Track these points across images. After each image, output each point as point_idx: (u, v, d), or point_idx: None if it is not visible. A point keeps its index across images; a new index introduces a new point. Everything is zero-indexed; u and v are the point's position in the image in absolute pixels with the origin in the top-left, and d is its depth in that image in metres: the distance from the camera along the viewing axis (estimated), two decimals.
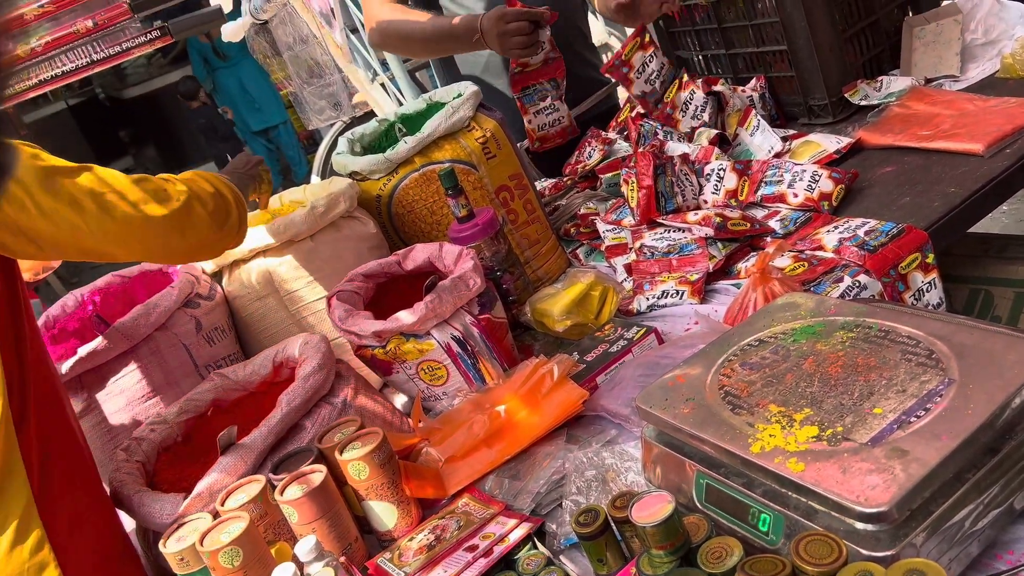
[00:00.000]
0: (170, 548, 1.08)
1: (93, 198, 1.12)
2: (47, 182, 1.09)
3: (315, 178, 4.87)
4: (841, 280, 1.34)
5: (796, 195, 1.59)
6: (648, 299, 1.49)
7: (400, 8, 2.14)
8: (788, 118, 2.06)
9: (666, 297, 1.48)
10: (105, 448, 1.41)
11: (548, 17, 1.87)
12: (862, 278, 1.33)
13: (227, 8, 1.69)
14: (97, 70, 1.65)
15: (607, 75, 1.98)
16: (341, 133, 1.90)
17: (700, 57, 2.25)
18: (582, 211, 1.87)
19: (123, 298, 1.60)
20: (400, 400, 1.51)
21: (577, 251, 1.84)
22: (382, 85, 4.75)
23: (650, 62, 1.96)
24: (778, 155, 1.80)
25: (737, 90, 2.05)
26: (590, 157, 2.03)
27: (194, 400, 1.39)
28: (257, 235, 1.51)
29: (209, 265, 1.58)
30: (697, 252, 1.52)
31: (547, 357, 1.48)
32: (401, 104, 4.68)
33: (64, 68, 1.63)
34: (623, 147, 1.98)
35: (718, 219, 1.52)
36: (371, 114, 4.21)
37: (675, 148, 1.81)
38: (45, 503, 1.09)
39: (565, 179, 2.02)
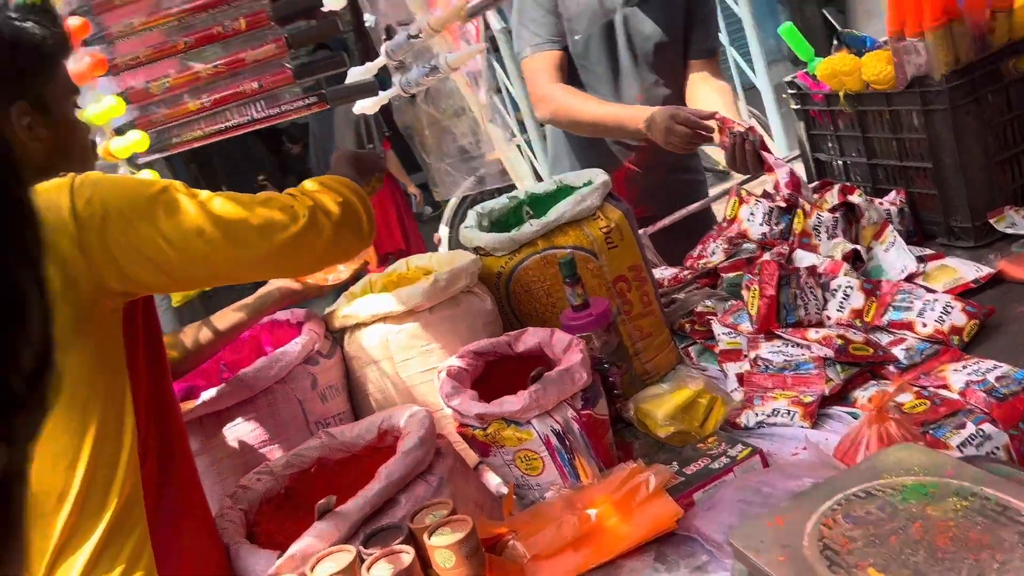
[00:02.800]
0: None
1: (219, 225, 1.15)
2: (173, 215, 1.13)
3: (443, 228, 5.02)
4: (963, 426, 1.27)
5: (925, 325, 1.53)
6: (757, 415, 1.46)
7: (571, 90, 2.31)
8: (926, 236, 1.99)
9: (776, 416, 1.44)
10: (214, 489, 1.49)
11: (715, 130, 1.94)
12: (987, 427, 1.26)
13: (366, 74, 1.79)
14: (256, 128, 1.77)
15: (717, 241, 2.06)
16: (470, 204, 1.96)
17: (840, 162, 2.21)
18: (699, 309, 1.85)
19: (250, 343, 1.69)
20: (494, 480, 1.52)
21: (689, 348, 1.82)
22: (518, 146, 4.86)
23: (757, 210, 1.97)
24: (911, 276, 1.74)
25: (875, 202, 2.00)
26: (713, 254, 2.02)
27: (301, 455, 1.45)
28: (380, 301, 1.57)
29: (336, 321, 1.65)
30: (814, 372, 1.48)
31: (646, 461, 1.48)
32: (535, 166, 4.79)
33: (228, 123, 1.76)
34: (748, 248, 1.96)
35: (840, 341, 1.47)
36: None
37: (803, 258, 1.78)
38: (157, 536, 1.16)
39: (685, 272, 2.01)
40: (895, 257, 1.80)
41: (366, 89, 1.76)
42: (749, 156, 2.01)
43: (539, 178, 4.73)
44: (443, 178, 1.92)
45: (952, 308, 1.53)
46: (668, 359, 1.81)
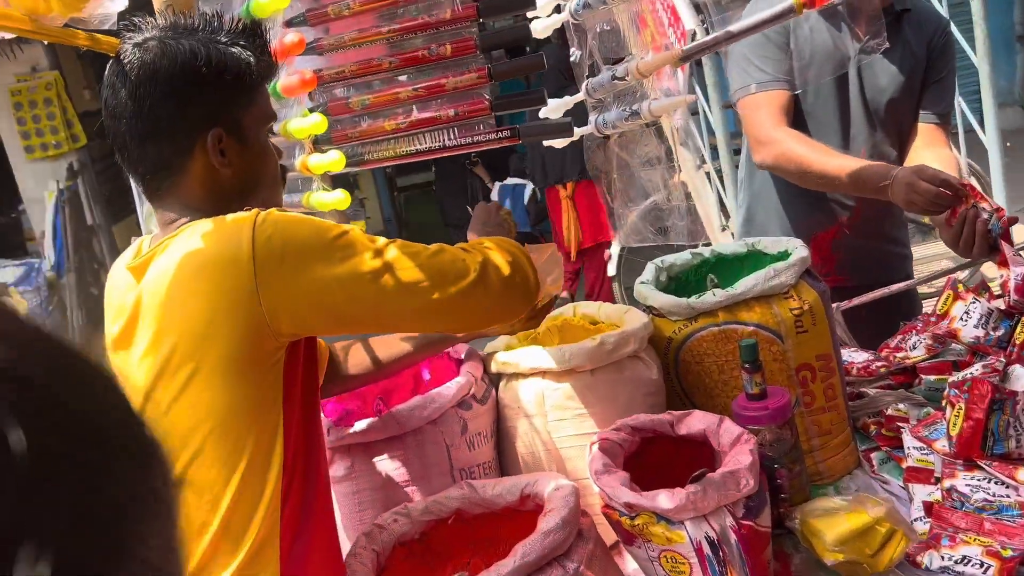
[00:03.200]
0: None
1: (392, 272, 1.13)
2: (349, 261, 1.12)
3: (615, 245, 4.92)
4: None
5: None
6: (944, 558, 1.29)
7: (800, 136, 2.10)
8: None
9: (966, 565, 1.26)
10: (351, 517, 1.48)
11: (963, 197, 1.75)
12: None
13: (563, 107, 1.73)
14: (445, 155, 1.74)
15: (922, 335, 1.85)
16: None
17: None
18: (890, 411, 1.66)
19: (408, 374, 1.68)
20: (631, 566, 1.43)
21: (871, 454, 1.65)
22: (707, 174, 4.69)
23: (973, 309, 1.74)
24: None
25: None
26: (914, 348, 1.81)
27: (440, 503, 1.41)
28: (541, 356, 1.51)
29: (493, 365, 1.61)
30: (1019, 522, 1.29)
31: None
32: (722, 198, 4.59)
33: (420, 147, 1.75)
34: (956, 349, 1.75)
35: None
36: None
37: (1020, 376, 1.56)
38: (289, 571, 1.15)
39: (879, 364, 1.82)
40: None
41: (561, 129, 1.69)
42: (981, 239, 1.78)
43: (724, 211, 4.54)
44: (626, 225, 1.83)
45: None
46: (846, 462, 1.64)
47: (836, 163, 2.03)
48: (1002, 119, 5.82)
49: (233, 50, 1.19)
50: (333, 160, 1.63)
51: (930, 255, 4.63)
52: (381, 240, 1.17)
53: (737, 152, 4.36)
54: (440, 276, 1.16)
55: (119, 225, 7.29)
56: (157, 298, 1.12)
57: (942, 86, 2.25)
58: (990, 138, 4.68)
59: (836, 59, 2.13)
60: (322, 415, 1.36)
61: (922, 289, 2.60)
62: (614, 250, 4.99)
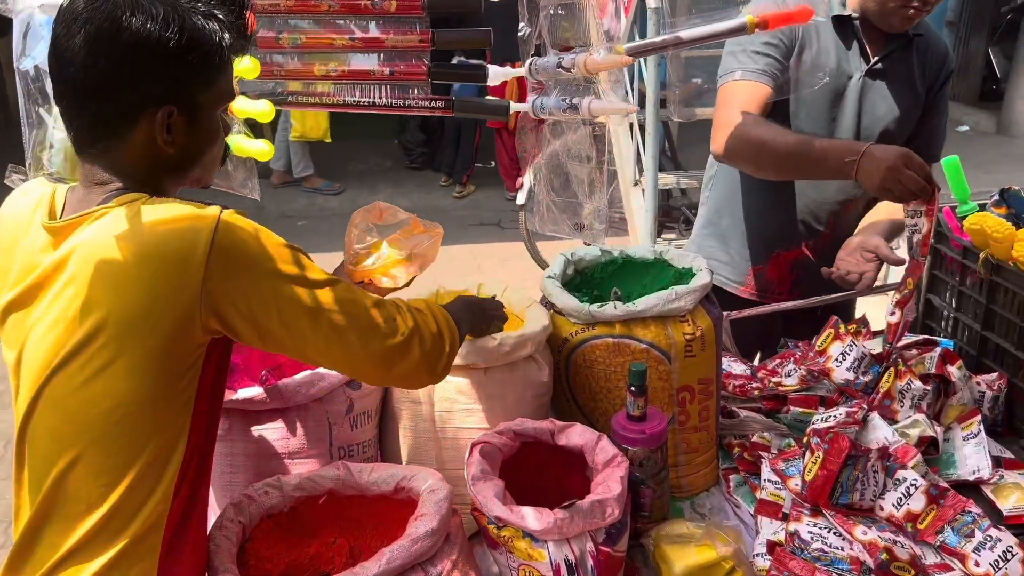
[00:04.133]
0: None
1: (330, 321, 1.14)
2: (292, 289, 1.11)
3: (528, 174, 4.89)
4: None
5: (978, 564, 1.44)
6: None
7: (764, 120, 1.98)
8: (1012, 430, 1.87)
9: None
10: (222, 478, 1.47)
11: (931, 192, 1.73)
12: None
13: (502, 78, 1.66)
14: (373, 112, 1.68)
15: (799, 365, 1.93)
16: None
17: (952, 316, 2.07)
18: (755, 438, 1.76)
19: None
20: (490, 564, 1.48)
21: (730, 475, 1.74)
22: (630, 124, 4.68)
23: (849, 351, 1.84)
24: (980, 482, 1.64)
25: (973, 379, 1.87)
26: (788, 376, 1.91)
27: (314, 481, 1.42)
28: None
29: None
30: None
31: None
32: (640, 153, 4.61)
33: (347, 99, 1.67)
34: (826, 386, 1.85)
35: (884, 556, 1.39)
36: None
37: (877, 427, 1.67)
38: (161, 563, 1.15)
39: (754, 386, 1.91)
40: (972, 453, 1.70)
41: (497, 111, 1.65)
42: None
43: (640, 166, 4.56)
44: (543, 211, 1.82)
45: (1012, 555, 1.43)
46: (706, 479, 1.74)
47: (799, 139, 1.91)
48: None
49: (209, 23, 1.10)
50: (261, 110, 1.54)
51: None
52: (324, 275, 1.15)
53: (664, 105, 4.37)
54: (371, 331, 1.17)
55: None
56: (90, 273, 1.05)
57: (934, 132, 2.23)
58: None
59: (837, 75, 2.08)
60: None
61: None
62: (526, 179, 4.97)
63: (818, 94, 2.09)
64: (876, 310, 2.15)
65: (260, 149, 1.56)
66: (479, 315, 1.47)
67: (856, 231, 2.20)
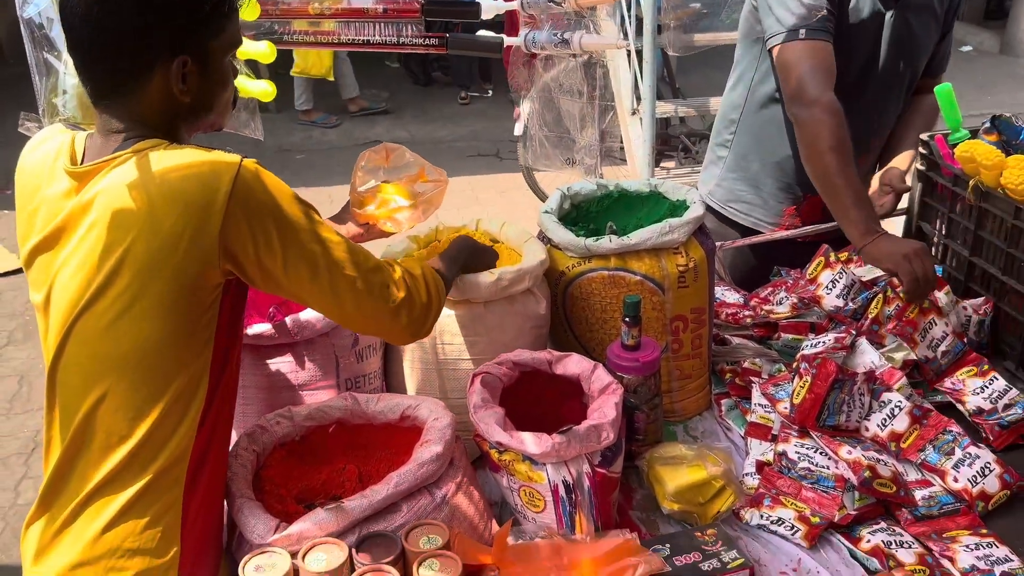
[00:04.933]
0: (247, 574, 1.20)
1: (329, 273, 1.20)
2: (301, 243, 1.17)
3: (524, 104, 4.86)
4: None
5: (957, 480, 1.51)
6: (762, 516, 1.48)
7: (842, 123, 1.94)
8: (998, 353, 1.93)
9: (779, 525, 1.46)
10: (236, 409, 1.53)
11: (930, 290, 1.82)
12: None
13: (495, 11, 1.67)
14: (366, 50, 1.69)
15: (790, 292, 1.98)
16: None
17: (942, 243, 2.11)
18: (746, 364, 1.82)
19: None
20: (493, 485, 1.55)
21: (722, 400, 1.81)
22: (627, 52, 4.63)
23: (839, 279, 1.89)
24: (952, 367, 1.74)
25: (960, 303, 1.93)
26: (779, 304, 1.96)
27: (323, 411, 1.49)
28: None
29: None
30: (832, 493, 1.48)
31: (644, 515, 1.52)
32: (637, 80, 4.57)
33: (341, 38, 1.68)
34: (816, 313, 1.90)
35: (868, 473, 1.46)
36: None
37: (864, 351, 1.73)
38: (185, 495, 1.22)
39: (747, 312, 1.96)
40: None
41: (490, 47, 1.66)
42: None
43: (637, 95, 4.53)
44: (536, 146, 1.84)
45: (990, 471, 1.51)
46: (699, 403, 1.81)
47: (841, 180, 1.91)
48: None
49: None
50: (261, 51, 1.56)
51: None
52: (332, 233, 1.21)
53: (661, 31, 4.32)
54: (368, 293, 1.24)
55: None
56: (114, 217, 1.10)
57: (947, 49, 2.24)
58: None
59: (872, 18, 2.06)
60: None
61: None
62: (524, 110, 4.94)
63: (856, 32, 2.06)
64: None
65: (263, 89, 1.58)
66: (471, 261, 1.55)
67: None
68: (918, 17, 2.13)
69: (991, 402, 1.72)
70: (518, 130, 5.02)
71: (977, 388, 1.75)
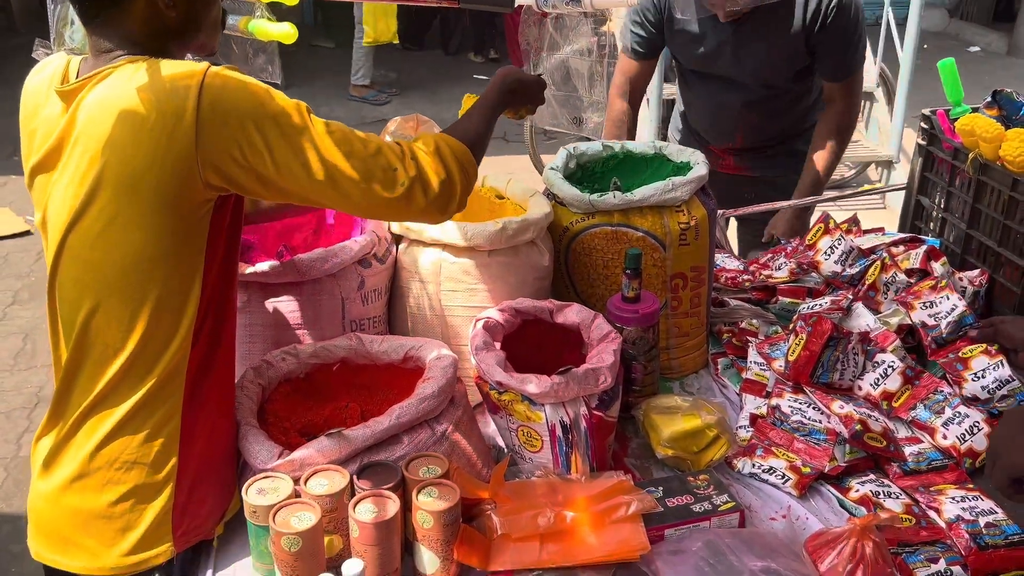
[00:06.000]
0: (250, 497, 1.23)
1: (324, 166, 1.17)
2: (287, 138, 1.15)
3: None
4: (936, 561, 1.31)
5: (946, 437, 1.54)
6: (754, 465, 1.51)
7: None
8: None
9: (771, 474, 1.49)
10: (240, 347, 1.56)
11: None
12: (956, 570, 1.31)
13: None
14: (379, 2, 1.72)
15: (789, 258, 2.06)
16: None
17: (940, 216, 2.14)
18: (744, 324, 1.86)
19: (313, 223, 1.72)
20: (491, 428, 1.59)
21: (718, 358, 1.84)
22: (647, 101, 4.63)
23: (838, 245, 1.92)
24: (958, 341, 1.72)
25: (956, 274, 1.96)
26: (778, 269, 1.99)
27: (328, 350, 1.52)
28: (445, 229, 1.58)
29: (396, 226, 1.68)
30: (823, 445, 1.51)
31: (635, 464, 1.55)
32: None
33: None
34: (814, 278, 1.94)
35: (859, 427, 1.49)
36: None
37: (860, 314, 1.77)
38: (186, 408, 1.25)
39: (745, 276, 1.99)
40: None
41: (503, 3, 1.69)
42: None
43: None
44: (543, 106, 1.87)
45: (978, 430, 1.54)
46: (696, 362, 1.84)
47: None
48: (926, 20, 5.91)
49: None
50: (284, 32, 1.57)
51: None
52: (321, 125, 1.18)
53: None
54: (368, 181, 1.20)
55: None
56: (94, 132, 1.12)
57: (834, 59, 2.32)
58: (908, 38, 4.83)
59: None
60: None
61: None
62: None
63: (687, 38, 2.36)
64: (868, 213, 2.23)
65: (284, 31, 1.59)
66: (521, 96, 1.49)
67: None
68: (761, 34, 2.26)
69: (988, 392, 1.60)
70: None
71: (980, 371, 1.62)
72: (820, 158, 2.35)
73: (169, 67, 1.13)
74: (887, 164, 5.12)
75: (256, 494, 1.24)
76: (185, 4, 1.19)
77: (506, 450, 1.54)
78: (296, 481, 1.27)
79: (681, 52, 2.45)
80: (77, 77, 1.21)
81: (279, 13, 1.68)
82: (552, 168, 1.83)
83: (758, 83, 2.37)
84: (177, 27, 1.20)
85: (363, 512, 1.21)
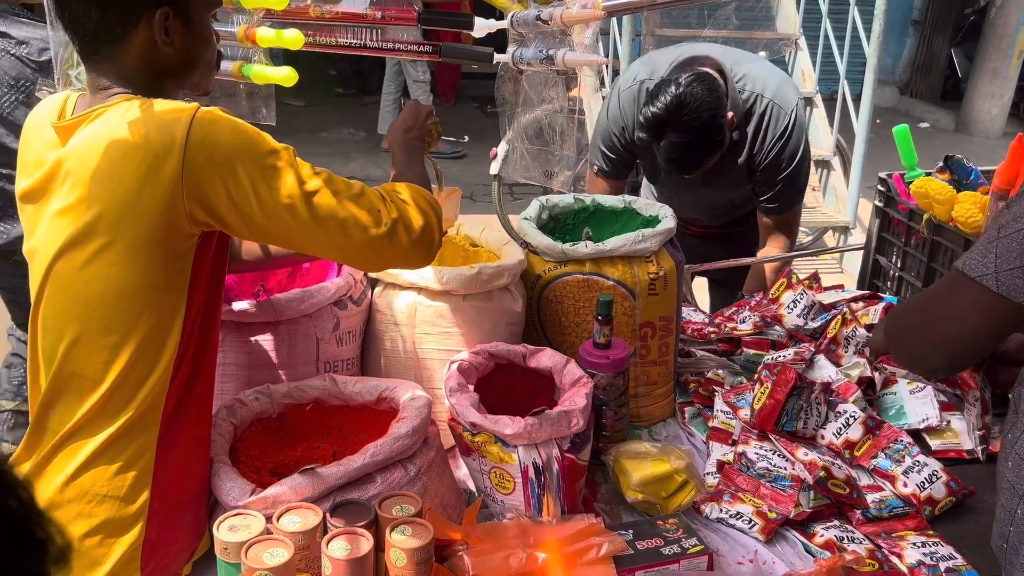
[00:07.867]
0: (221, 534, 1.22)
1: (309, 207, 1.18)
2: (272, 179, 1.17)
3: (502, 145, 4.98)
4: None
5: (906, 485, 1.58)
6: (721, 511, 1.53)
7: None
8: (951, 384, 2.02)
9: (738, 519, 1.51)
10: (216, 384, 1.56)
11: None
12: None
13: (485, 30, 1.76)
14: (363, 54, 1.77)
15: (753, 311, 2.12)
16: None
17: (897, 275, 2.22)
18: (710, 374, 1.90)
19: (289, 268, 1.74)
20: (463, 471, 1.59)
21: (685, 407, 1.88)
22: (603, 98, 4.78)
23: (800, 299, 1.99)
24: (929, 430, 1.76)
25: None
26: (743, 322, 2.05)
27: (301, 390, 1.52)
28: (422, 273, 1.61)
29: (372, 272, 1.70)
30: (788, 491, 1.54)
31: (605, 509, 1.56)
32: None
33: (339, 40, 1.76)
34: (777, 332, 1.99)
35: (823, 473, 1.53)
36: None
37: (822, 366, 1.81)
38: (161, 443, 1.25)
39: (711, 329, 2.04)
40: (920, 405, 1.79)
41: (481, 58, 1.75)
42: None
43: None
44: (515, 158, 1.93)
45: (937, 479, 1.58)
46: (664, 410, 1.87)
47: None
48: (879, 96, 6.18)
49: None
50: (291, 37, 1.60)
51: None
52: (307, 169, 1.21)
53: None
54: (353, 222, 1.21)
55: None
56: (85, 167, 1.14)
57: (772, 196, 2.38)
58: (863, 114, 5.04)
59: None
60: None
61: None
62: (500, 149, 5.06)
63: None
64: (827, 277, 2.31)
65: (284, 75, 1.62)
66: (416, 135, 1.53)
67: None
68: (718, 170, 2.30)
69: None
70: (494, 169, 5.13)
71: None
72: (770, 267, 2.45)
73: (161, 105, 1.16)
74: (844, 230, 5.28)
75: (228, 530, 1.23)
76: (182, 42, 1.22)
77: (477, 493, 1.54)
78: (268, 519, 1.26)
79: (649, 173, 2.57)
80: (74, 113, 1.23)
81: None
82: (525, 218, 1.87)
83: (723, 197, 2.51)
84: (174, 65, 1.23)
85: (336, 549, 1.20)
